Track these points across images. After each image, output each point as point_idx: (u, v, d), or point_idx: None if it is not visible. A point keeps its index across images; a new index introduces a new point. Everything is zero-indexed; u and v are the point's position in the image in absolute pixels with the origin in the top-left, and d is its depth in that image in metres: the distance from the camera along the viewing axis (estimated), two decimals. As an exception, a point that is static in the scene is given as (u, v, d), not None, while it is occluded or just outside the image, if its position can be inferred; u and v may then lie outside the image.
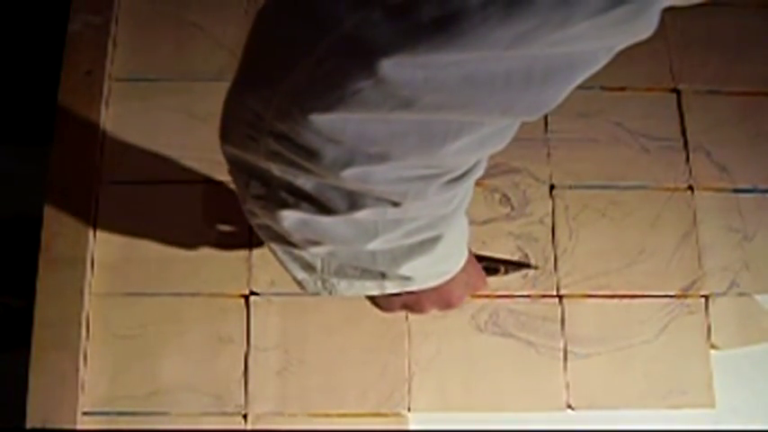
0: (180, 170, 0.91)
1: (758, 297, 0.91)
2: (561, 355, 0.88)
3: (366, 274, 0.55)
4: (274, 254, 0.55)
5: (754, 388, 0.88)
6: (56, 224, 0.86)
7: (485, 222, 0.91)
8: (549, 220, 0.92)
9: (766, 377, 0.89)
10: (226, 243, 0.89)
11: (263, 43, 0.39)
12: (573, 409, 0.86)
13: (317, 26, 0.33)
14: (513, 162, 0.94)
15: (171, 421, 0.83)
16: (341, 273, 0.55)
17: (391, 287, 0.57)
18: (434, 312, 0.67)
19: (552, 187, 0.93)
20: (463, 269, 0.61)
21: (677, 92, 0.98)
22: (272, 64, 0.38)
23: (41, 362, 0.82)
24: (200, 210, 0.90)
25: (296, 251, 0.53)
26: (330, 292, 0.57)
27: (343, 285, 0.57)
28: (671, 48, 1.00)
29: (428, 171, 0.41)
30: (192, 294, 0.87)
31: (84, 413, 0.83)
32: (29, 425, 0.80)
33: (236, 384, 0.85)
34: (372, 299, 0.65)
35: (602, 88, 0.97)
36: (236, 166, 0.48)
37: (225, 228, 0.90)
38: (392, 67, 0.32)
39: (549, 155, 0.94)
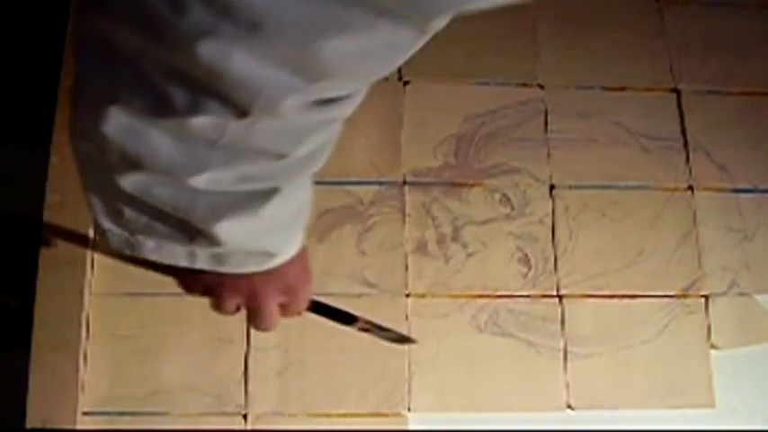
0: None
1: (758, 297, 0.91)
2: (561, 355, 0.88)
3: (177, 234, 0.48)
4: (86, 192, 0.49)
5: (754, 388, 0.88)
6: (56, 224, 0.86)
7: (485, 222, 0.91)
8: (549, 220, 0.92)
9: (766, 377, 0.89)
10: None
11: None
12: (573, 409, 0.86)
13: None
14: (513, 162, 0.94)
15: (171, 421, 0.83)
16: (150, 229, 0.48)
17: (202, 258, 0.49)
18: (234, 307, 0.57)
19: (552, 187, 0.93)
20: (287, 265, 0.53)
21: (677, 92, 0.98)
22: None
23: (41, 362, 0.82)
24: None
25: (108, 189, 0.46)
26: (133, 250, 0.50)
27: (149, 245, 0.49)
28: (671, 48, 1.00)
29: (292, 78, 0.36)
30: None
31: (84, 413, 0.83)
32: (29, 425, 0.80)
33: (236, 384, 0.85)
34: (175, 272, 0.56)
35: (603, 88, 0.98)
36: (81, 50, 0.41)
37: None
38: None
39: (549, 155, 0.94)
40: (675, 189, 0.94)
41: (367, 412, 0.85)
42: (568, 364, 0.87)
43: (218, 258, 0.49)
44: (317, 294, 0.87)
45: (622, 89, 0.98)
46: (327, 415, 0.84)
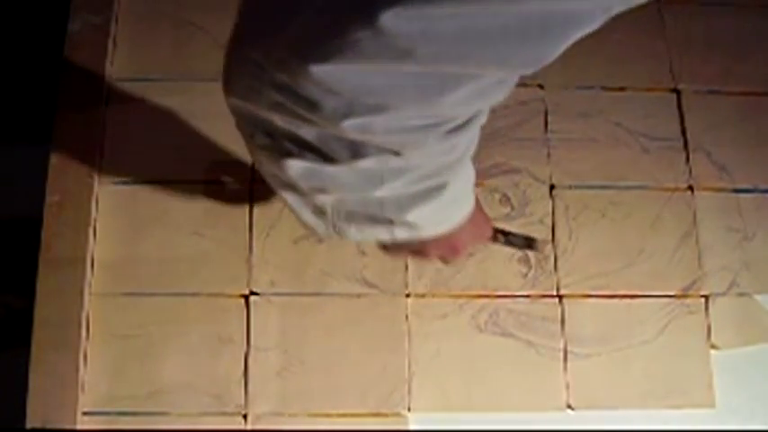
0: (180, 170, 0.91)
1: (758, 297, 0.91)
2: (561, 355, 0.88)
3: (375, 220, 0.56)
4: (285, 201, 0.56)
5: (754, 388, 0.88)
6: (56, 224, 0.86)
7: (485, 222, 0.91)
8: (549, 220, 0.92)
9: (766, 377, 0.89)
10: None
11: None
12: (573, 409, 0.86)
13: None
14: (513, 162, 0.94)
15: (171, 421, 0.83)
16: (351, 218, 0.56)
17: (401, 234, 0.58)
18: (438, 258, 0.68)
19: (552, 187, 0.93)
20: (470, 217, 0.62)
21: (677, 92, 0.98)
22: (272, 15, 0.38)
23: (41, 362, 0.82)
24: (200, 209, 0.90)
25: (305, 198, 0.55)
26: (340, 236, 0.58)
27: (353, 230, 0.57)
28: (671, 48, 1.00)
29: (427, 121, 0.42)
30: (192, 294, 0.87)
31: (84, 413, 0.83)
32: (29, 425, 0.80)
33: (236, 384, 0.85)
34: (380, 243, 0.66)
35: (603, 88, 0.98)
36: (240, 117, 0.48)
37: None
38: (390, 19, 0.32)
39: (549, 155, 0.94)
40: (675, 189, 0.94)
41: (367, 412, 0.85)
42: (568, 364, 0.87)
43: (414, 231, 0.58)
44: (318, 294, 0.88)
45: (622, 89, 0.98)
46: (327, 415, 0.84)
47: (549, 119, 0.96)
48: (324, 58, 0.36)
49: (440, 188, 0.52)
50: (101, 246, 0.88)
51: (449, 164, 0.49)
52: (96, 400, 0.84)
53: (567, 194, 0.93)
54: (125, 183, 0.90)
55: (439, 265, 0.89)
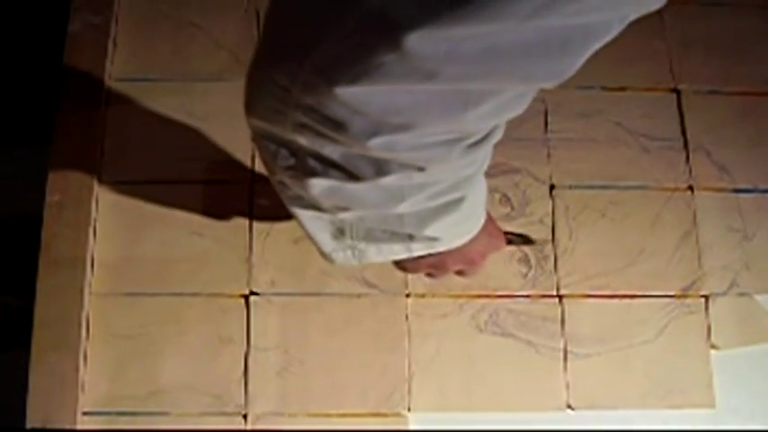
0: (180, 170, 0.91)
1: (758, 297, 0.91)
2: (561, 355, 0.88)
3: (394, 237, 0.57)
4: (303, 226, 0.57)
5: (754, 388, 0.88)
6: (56, 224, 0.86)
7: (485, 222, 0.91)
8: (549, 220, 0.92)
9: (766, 377, 0.89)
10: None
11: (288, 17, 0.40)
12: (573, 409, 0.86)
13: (343, 0, 0.35)
14: (513, 162, 0.94)
15: (171, 421, 0.83)
16: (369, 237, 0.57)
17: (418, 249, 0.58)
18: (457, 272, 0.68)
19: (552, 187, 0.93)
20: (484, 227, 0.63)
21: (677, 92, 0.98)
22: (298, 38, 0.39)
23: (41, 362, 0.82)
24: (200, 210, 0.90)
25: (325, 216, 0.55)
26: (360, 260, 0.59)
27: (372, 250, 0.58)
28: (671, 48, 1.00)
29: (450, 136, 0.43)
30: (192, 294, 0.87)
31: (84, 413, 0.83)
32: (29, 425, 0.80)
33: (236, 384, 0.85)
34: (398, 262, 0.66)
35: (603, 88, 0.98)
36: (262, 137, 0.49)
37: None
38: (416, 41, 0.33)
39: (549, 155, 0.94)
40: (675, 189, 0.94)
41: (367, 412, 0.85)
42: (568, 364, 0.87)
43: (431, 245, 0.58)
44: (318, 294, 0.88)
45: (622, 89, 0.98)
46: (327, 415, 0.84)
47: (549, 119, 0.96)
48: (351, 80, 0.37)
49: (458, 201, 0.53)
50: (101, 246, 0.88)
51: (467, 177, 0.50)
52: (96, 400, 0.84)
53: (567, 194, 0.93)
54: (125, 183, 0.90)
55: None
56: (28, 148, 1.00)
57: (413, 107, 0.38)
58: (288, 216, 0.57)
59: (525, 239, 0.85)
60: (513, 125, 0.99)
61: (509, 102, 0.41)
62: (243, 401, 0.84)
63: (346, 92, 0.37)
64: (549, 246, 0.91)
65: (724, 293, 0.91)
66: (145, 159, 0.91)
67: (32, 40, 1.13)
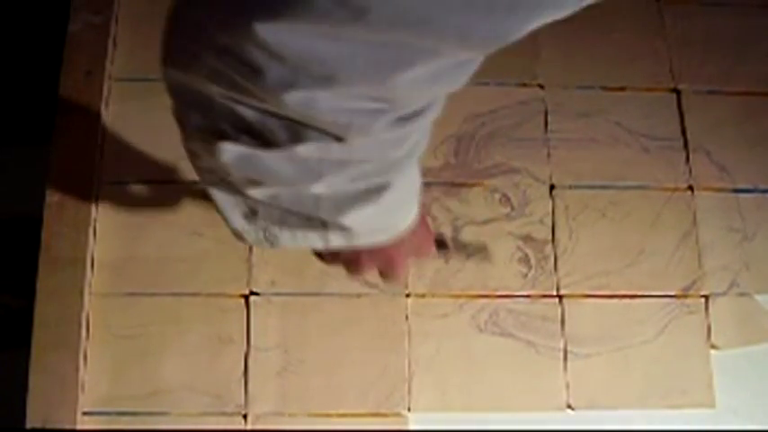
0: (180, 170, 0.91)
1: (758, 297, 0.91)
2: (561, 355, 0.88)
3: (309, 223, 0.53)
4: (215, 200, 0.53)
5: (754, 388, 0.88)
6: (56, 224, 0.86)
7: (485, 222, 0.91)
8: (549, 220, 0.92)
9: (766, 377, 0.89)
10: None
11: None
12: (573, 409, 0.86)
13: None
14: (513, 162, 0.94)
15: (171, 421, 0.83)
16: (283, 222, 0.53)
17: (335, 240, 0.54)
18: (372, 270, 0.63)
19: (552, 187, 0.93)
20: (411, 229, 0.58)
21: (677, 92, 0.98)
22: None
23: (41, 362, 0.82)
24: (200, 209, 0.90)
25: (237, 196, 0.51)
26: (272, 244, 0.55)
27: (285, 236, 0.54)
28: (671, 48, 1.00)
29: (375, 105, 0.39)
30: (192, 294, 0.87)
31: (84, 413, 0.83)
32: (29, 425, 0.80)
33: (236, 384, 0.85)
34: (316, 252, 0.63)
35: (602, 88, 0.98)
36: (177, 96, 0.45)
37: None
38: None
39: (549, 155, 0.94)
40: (675, 189, 0.94)
41: (367, 412, 0.85)
42: (568, 364, 0.87)
43: (350, 237, 0.54)
44: (318, 294, 0.88)
45: (622, 89, 0.98)
46: (327, 415, 0.84)
47: (549, 119, 0.96)
48: (270, 15, 0.33)
49: (381, 189, 0.49)
50: (101, 246, 0.88)
51: (394, 161, 0.46)
52: (96, 400, 0.84)
53: (567, 194, 0.93)
54: (125, 183, 0.91)
55: (438, 265, 0.89)
56: (28, 147, 1.00)
57: (336, 56, 0.35)
58: None
59: (477, 249, 0.81)
60: (513, 125, 0.99)
61: (444, 71, 0.37)
62: (243, 401, 0.84)
63: (264, 28, 0.34)
64: (550, 246, 0.91)
65: (724, 293, 0.91)
66: (145, 159, 0.91)
67: (32, 40, 1.13)
